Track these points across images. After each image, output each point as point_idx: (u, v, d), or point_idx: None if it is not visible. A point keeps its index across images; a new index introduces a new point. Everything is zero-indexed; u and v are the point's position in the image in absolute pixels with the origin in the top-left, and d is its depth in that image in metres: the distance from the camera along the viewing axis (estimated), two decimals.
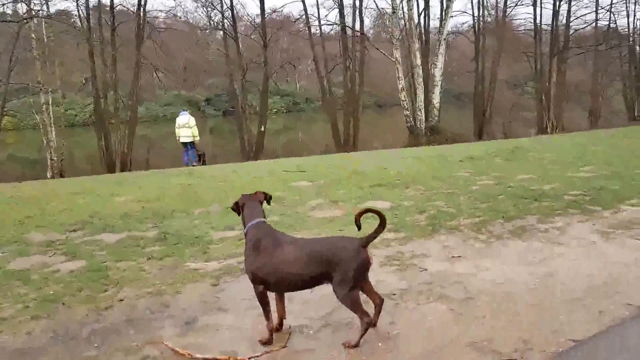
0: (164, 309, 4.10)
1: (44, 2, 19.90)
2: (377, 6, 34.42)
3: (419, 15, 23.17)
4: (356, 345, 3.23)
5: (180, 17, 27.70)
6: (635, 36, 28.82)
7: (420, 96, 21.67)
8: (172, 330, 3.71)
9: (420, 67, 21.73)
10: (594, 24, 28.44)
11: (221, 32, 36.40)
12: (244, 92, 22.54)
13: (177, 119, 16.00)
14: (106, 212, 7.91)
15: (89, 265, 5.34)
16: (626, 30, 29.34)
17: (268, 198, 3.55)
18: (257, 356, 3.17)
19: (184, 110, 17.41)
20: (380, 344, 3.32)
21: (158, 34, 22.17)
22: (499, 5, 26.22)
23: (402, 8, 21.60)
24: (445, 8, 22.09)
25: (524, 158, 12.74)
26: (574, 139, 17.51)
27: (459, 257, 4.94)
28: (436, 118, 22.73)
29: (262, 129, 22.67)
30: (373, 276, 3.72)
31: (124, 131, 19.88)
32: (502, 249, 5.15)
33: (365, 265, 3.22)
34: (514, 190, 8.17)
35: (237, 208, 3.51)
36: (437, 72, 22.32)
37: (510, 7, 26.77)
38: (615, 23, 29.51)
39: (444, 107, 25.18)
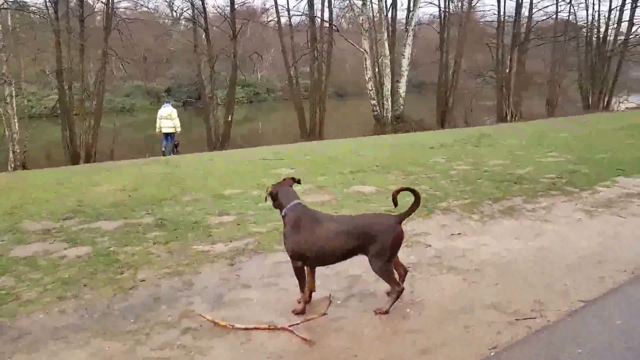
0: (189, 287, 4.27)
1: None
2: None
3: (387, 7, 23.48)
4: (387, 312, 3.50)
5: (146, 8, 27.26)
6: (593, 28, 30.05)
7: (388, 86, 22.08)
8: (203, 305, 3.89)
9: (388, 57, 22.12)
10: (555, 15, 29.52)
11: (183, 23, 35.87)
12: (213, 82, 22.41)
13: (160, 111, 16.76)
14: (93, 201, 7.89)
15: (95, 251, 5.41)
16: (585, 22, 30.58)
17: (297, 180, 3.76)
18: (297, 324, 3.40)
19: (167, 102, 18.43)
20: (408, 310, 3.61)
21: (125, 25, 21.81)
22: None
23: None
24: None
25: (492, 144, 13.29)
26: (535, 127, 18.33)
27: (459, 234, 5.30)
28: (402, 107, 23.23)
29: (230, 119, 22.67)
30: None
31: (88, 122, 19.54)
32: (496, 226, 5.54)
33: (399, 240, 3.52)
34: (491, 175, 8.60)
35: (273, 195, 3.72)
36: (405, 62, 22.82)
37: None
38: (575, 15, 30.76)
39: (406, 97, 25.73)
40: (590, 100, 28.44)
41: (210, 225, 6.35)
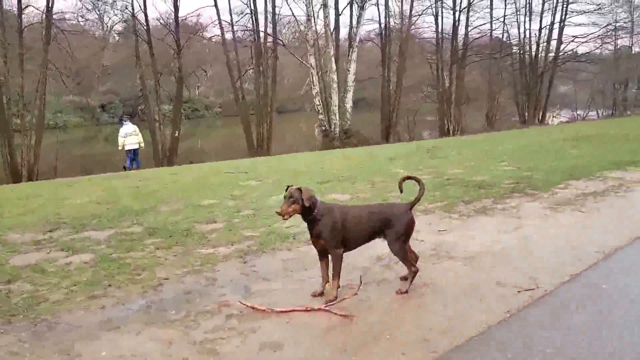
0: (213, 282, 4.67)
1: None
2: (292, 13, 35.54)
3: (332, 23, 24.41)
4: (407, 292, 4.08)
5: (84, 20, 26.91)
6: (525, 46, 32.32)
7: (335, 101, 22.91)
8: (234, 296, 4.31)
9: (335, 72, 22.99)
10: (490, 33, 31.56)
11: (116, 37, 35.34)
12: (158, 97, 22.47)
13: (123, 129, 17.88)
14: (72, 213, 8.06)
15: (100, 257, 5.66)
16: (517, 40, 32.84)
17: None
18: (332, 304, 3.90)
19: (125, 120, 19.13)
20: (423, 290, 4.20)
21: (65, 37, 21.56)
22: (404, 14, 28.30)
23: (318, 16, 22.76)
24: (357, 16, 23.56)
25: (444, 156, 14.22)
26: (479, 140, 19.65)
27: (445, 230, 5.97)
28: (348, 122, 24.10)
29: (177, 134, 22.76)
30: (382, 248, 4.65)
31: (29, 139, 19.18)
32: (476, 223, 6.26)
33: (412, 224, 4.22)
34: (455, 182, 9.37)
35: (299, 199, 4.04)
36: (350, 78, 23.76)
37: (415, 16, 28.99)
38: (508, 33, 33.00)
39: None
40: (526, 114, 30.48)
41: (203, 231, 6.69)
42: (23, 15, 20.76)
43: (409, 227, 4.17)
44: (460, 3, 29.69)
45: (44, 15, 20.21)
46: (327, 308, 3.87)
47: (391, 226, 4.09)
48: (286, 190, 4.09)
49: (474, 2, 30.36)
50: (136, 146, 17.84)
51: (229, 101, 51.17)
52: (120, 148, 17.76)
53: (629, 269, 4.59)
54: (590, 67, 36.34)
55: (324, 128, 23.37)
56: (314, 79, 23.16)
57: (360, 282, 4.09)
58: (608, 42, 35.94)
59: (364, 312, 3.85)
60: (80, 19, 26.79)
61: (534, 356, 3.10)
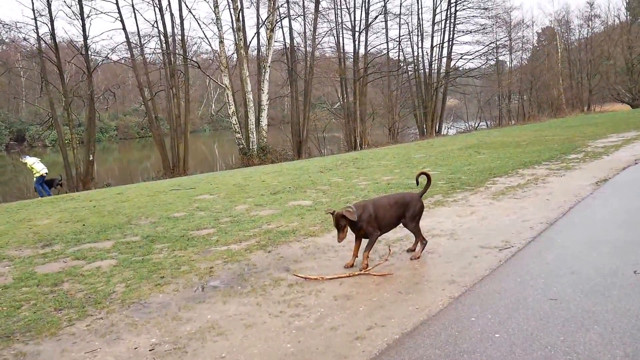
0: (254, 267, 5.73)
1: None
2: (204, 35, 36.26)
3: (245, 45, 25.54)
4: (419, 257, 5.45)
5: None
6: (419, 64, 35.51)
7: (252, 119, 24.07)
8: (281, 274, 5.42)
9: (250, 92, 24.19)
10: (387, 52, 34.38)
11: None
12: (70, 121, 22.35)
13: (31, 158, 18.72)
14: (51, 231, 8.58)
15: (124, 260, 6.42)
16: (412, 58, 35.99)
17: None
18: (370, 268, 5.16)
19: (23, 157, 19.44)
20: (430, 255, 5.59)
21: None
22: (307, 36, 30.18)
23: (235, 38, 23.88)
24: (268, 39, 24.95)
25: (369, 166, 15.85)
26: (390, 151, 21.64)
27: None
28: (265, 139, 25.33)
29: (91, 157, 22.73)
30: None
31: None
32: (439, 212, 7.82)
33: (422, 207, 5.65)
34: (395, 185, 10.89)
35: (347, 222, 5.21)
36: (264, 97, 25.05)
37: (318, 37, 30.98)
38: (403, 52, 36.11)
39: None
40: (425, 127, 33.43)
41: (200, 235, 7.58)
42: None
43: (421, 209, 5.62)
44: (360, 25, 32.13)
45: None
46: (367, 272, 5.12)
47: (409, 209, 5.48)
48: (332, 216, 5.21)
49: (370, 24, 32.92)
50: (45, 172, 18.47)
51: (124, 124, 50.74)
52: (42, 173, 18.12)
53: (569, 229, 6.40)
54: (477, 81, 40.53)
55: (241, 146, 24.37)
56: (229, 98, 24.16)
57: (390, 251, 5.40)
58: (491, 59, 40.36)
59: (397, 272, 5.15)
60: None
61: (526, 279, 4.57)
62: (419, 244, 5.64)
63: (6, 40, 27.87)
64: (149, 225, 8.60)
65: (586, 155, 13.68)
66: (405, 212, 5.47)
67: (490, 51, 39.14)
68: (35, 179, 17.71)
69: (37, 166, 17.79)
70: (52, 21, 23.11)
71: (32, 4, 23.59)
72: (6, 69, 29.25)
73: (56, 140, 31.36)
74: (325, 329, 3.98)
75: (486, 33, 38.25)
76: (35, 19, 23.04)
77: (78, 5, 23.73)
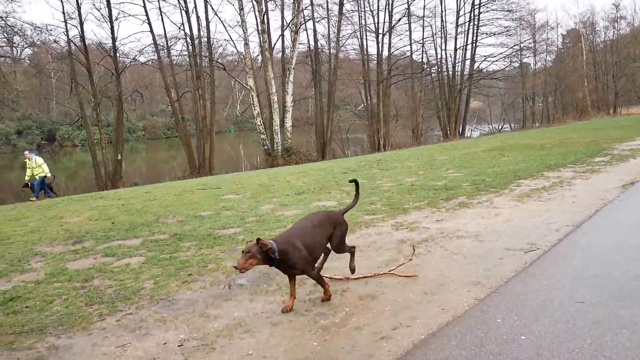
0: None
1: None
2: (230, 37, 36.60)
3: (269, 47, 25.68)
4: (354, 269, 5.03)
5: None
6: (442, 66, 35.33)
7: (277, 120, 24.19)
8: None
9: (275, 94, 24.31)
10: (410, 55, 34.29)
11: (27, 62, 34.77)
12: (99, 122, 22.76)
13: (40, 159, 18.31)
14: (81, 229, 8.71)
15: (153, 258, 6.49)
16: (435, 60, 35.84)
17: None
18: (395, 268, 5.15)
19: (35, 152, 19.57)
20: (455, 256, 5.55)
21: None
22: (331, 38, 30.25)
23: (259, 40, 24.06)
24: (292, 41, 25.06)
25: (393, 167, 15.79)
26: (415, 153, 21.55)
27: (442, 220, 7.41)
28: (289, 140, 25.42)
29: (119, 157, 23.09)
30: (401, 235, 6.11)
31: None
32: (464, 213, 7.76)
33: (347, 226, 4.99)
34: (420, 187, 10.84)
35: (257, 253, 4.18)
36: (289, 99, 25.14)
37: (342, 39, 31.00)
38: (427, 54, 35.96)
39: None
40: (448, 129, 33.22)
41: (227, 234, 7.64)
42: None
43: (346, 229, 4.96)
44: (383, 27, 32.07)
45: None
46: (392, 272, 5.10)
47: (336, 230, 4.77)
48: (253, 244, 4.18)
49: (394, 26, 32.83)
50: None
51: (151, 124, 51.41)
52: (48, 174, 18.35)
53: (595, 232, 6.29)
54: (501, 83, 40.14)
55: (266, 147, 24.51)
56: (254, 100, 24.31)
57: (414, 250, 5.38)
58: (515, 61, 39.95)
59: (421, 273, 5.13)
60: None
61: (552, 281, 4.52)
62: (351, 257, 5.04)
63: (37, 43, 28.38)
64: (176, 223, 8.69)
65: (612, 158, 13.46)
66: (333, 232, 4.75)
67: (514, 53, 38.78)
68: (37, 178, 17.74)
69: (45, 167, 17.92)
70: (81, 24, 23.67)
71: (63, 7, 24.03)
72: (37, 71, 29.83)
73: (85, 140, 31.96)
74: (351, 328, 3.98)
75: (510, 35, 37.86)
76: (65, 21, 23.59)
77: (107, 9, 24.24)
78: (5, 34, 23.98)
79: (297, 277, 4.57)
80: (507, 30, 36.58)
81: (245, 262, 4.08)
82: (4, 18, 21.79)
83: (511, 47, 38.25)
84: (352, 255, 5.00)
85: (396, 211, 8.29)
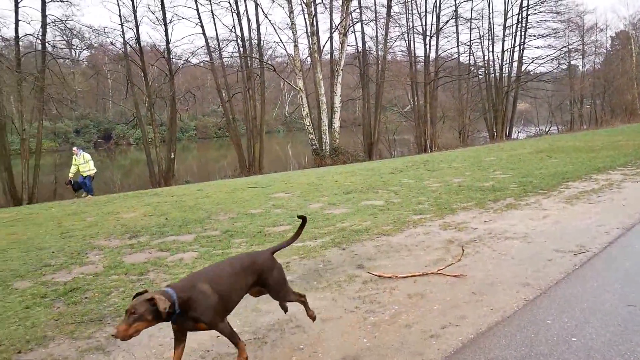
0: (329, 263, 5.80)
1: None
2: (280, 39, 37.23)
3: (319, 49, 25.81)
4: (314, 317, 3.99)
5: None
6: (490, 68, 34.71)
7: (325, 121, 24.29)
8: (355, 271, 5.45)
9: (324, 95, 24.44)
10: (457, 56, 33.84)
11: (85, 63, 35.91)
12: (153, 121, 23.40)
13: (86, 154, 18.25)
14: (136, 224, 8.97)
15: (205, 253, 6.63)
16: (483, 62, 35.24)
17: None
18: (444, 268, 5.11)
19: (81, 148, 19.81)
20: (502, 257, 5.47)
21: (56, 63, 22.36)
22: (379, 40, 30.17)
23: (309, 42, 24.23)
24: (341, 43, 25.12)
25: (439, 168, 15.57)
26: (462, 154, 21.20)
27: (490, 220, 7.30)
28: (337, 140, 25.48)
29: (172, 155, 23.66)
30: (448, 235, 6.00)
31: (27, 163, 19.86)
32: (511, 214, 7.62)
33: (281, 267, 3.80)
34: (467, 188, 10.68)
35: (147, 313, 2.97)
36: (337, 100, 25.22)
37: (389, 41, 30.87)
38: (474, 56, 35.36)
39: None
40: (495, 130, 32.60)
41: (277, 232, 7.72)
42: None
43: (282, 271, 3.81)
44: (431, 29, 31.75)
45: (39, 44, 20.96)
46: (440, 272, 5.07)
47: (268, 277, 3.66)
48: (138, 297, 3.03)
49: (441, 29, 32.45)
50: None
51: (203, 124, 52.46)
52: (92, 173, 18.24)
53: None
54: (549, 85, 39.09)
55: (314, 147, 24.66)
56: (303, 100, 24.50)
57: (463, 251, 5.33)
58: (563, 63, 38.81)
59: (469, 273, 5.08)
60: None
61: (602, 284, 4.40)
62: (304, 306, 3.98)
63: (95, 45, 29.38)
64: (228, 220, 8.84)
65: None
66: (265, 279, 3.66)
67: (562, 55, 37.69)
68: (83, 175, 17.64)
69: (91, 163, 17.92)
70: (137, 27, 24.46)
71: (119, 10, 24.98)
72: (95, 72, 30.85)
73: (140, 139, 32.92)
74: (400, 325, 3.98)
75: (558, 37, 36.79)
76: (121, 24, 24.46)
77: (161, 12, 24.99)
78: (65, 37, 24.91)
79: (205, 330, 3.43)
80: (556, 32, 35.64)
81: (129, 328, 2.87)
82: (64, 21, 22.58)
83: (559, 49, 37.21)
84: (306, 305, 3.94)
85: (444, 211, 8.21)
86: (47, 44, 21.74)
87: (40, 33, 21.13)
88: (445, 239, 6.43)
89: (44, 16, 21.08)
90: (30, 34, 22.16)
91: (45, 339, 4.07)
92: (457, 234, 6.67)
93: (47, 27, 21.41)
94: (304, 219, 4.04)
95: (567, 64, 40.78)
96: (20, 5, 20.36)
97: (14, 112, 21.55)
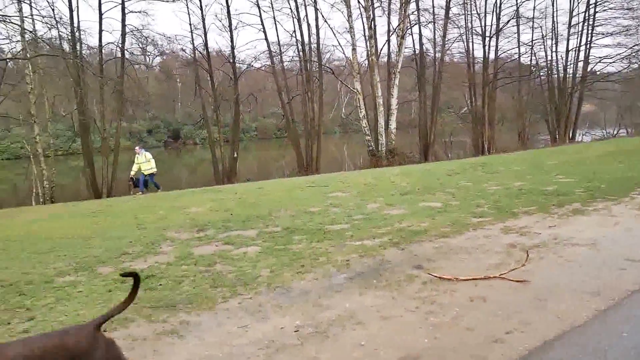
0: (388, 262, 5.72)
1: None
2: (338, 43, 37.39)
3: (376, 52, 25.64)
4: None
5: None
6: (553, 68, 33.40)
7: (381, 122, 24.11)
8: (414, 271, 5.35)
9: (381, 97, 24.27)
10: (518, 57, 32.78)
11: (157, 68, 36.92)
12: (218, 122, 24.00)
13: (148, 153, 18.13)
14: (203, 219, 9.15)
15: (267, 248, 6.69)
16: (545, 62, 33.94)
17: None
18: (506, 272, 4.93)
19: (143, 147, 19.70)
20: (566, 264, 5.22)
21: (132, 68, 23.34)
22: (437, 42, 29.67)
23: (366, 45, 24.16)
24: (398, 45, 24.88)
25: (497, 171, 15.07)
26: (522, 157, 20.50)
27: (554, 226, 6.99)
28: (393, 142, 25.23)
29: (235, 155, 24.14)
30: (510, 239, 5.93)
31: (106, 159, 20.72)
32: (578, 220, 7.28)
33: (113, 345, 2.55)
34: (528, 191, 10.23)
35: None
36: (394, 102, 24.97)
37: (447, 43, 30.30)
38: (536, 56, 34.12)
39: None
40: (557, 133, 31.37)
41: (335, 230, 7.67)
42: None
43: (114, 349, 2.54)
44: (490, 30, 30.93)
45: (119, 51, 21.93)
46: (502, 276, 4.89)
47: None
48: None
49: (502, 29, 31.55)
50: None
51: (263, 125, 53.31)
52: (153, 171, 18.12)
53: None
54: (617, 86, 37.17)
55: (370, 148, 24.53)
56: (360, 102, 24.42)
57: (527, 256, 5.13)
58: (634, 63, 36.68)
59: (533, 278, 4.88)
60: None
61: None
62: None
63: (167, 51, 30.46)
64: (288, 217, 8.89)
65: None
66: None
67: (633, 54, 35.63)
68: (144, 173, 17.51)
69: (153, 162, 17.90)
70: (205, 34, 25.30)
71: (189, 19, 26.04)
72: (167, 76, 31.94)
73: (205, 139, 33.75)
74: (462, 328, 3.86)
75: (629, 35, 34.70)
76: (191, 32, 25.41)
77: (227, 19, 25.74)
78: (140, 44, 26.03)
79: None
80: (627, 30, 33.51)
81: None
82: (140, 30, 23.76)
83: (630, 48, 35.20)
84: None
85: (505, 215, 7.95)
86: (125, 51, 22.76)
87: (120, 41, 22.27)
88: (507, 243, 6.21)
89: (123, 26, 22.26)
90: (111, 42, 23.38)
91: (126, 321, 4.23)
92: (519, 239, 6.42)
93: (126, 35, 22.42)
94: (136, 277, 2.73)
95: (639, 63, 38.59)
96: (103, 16, 21.52)
97: (96, 113, 22.69)
